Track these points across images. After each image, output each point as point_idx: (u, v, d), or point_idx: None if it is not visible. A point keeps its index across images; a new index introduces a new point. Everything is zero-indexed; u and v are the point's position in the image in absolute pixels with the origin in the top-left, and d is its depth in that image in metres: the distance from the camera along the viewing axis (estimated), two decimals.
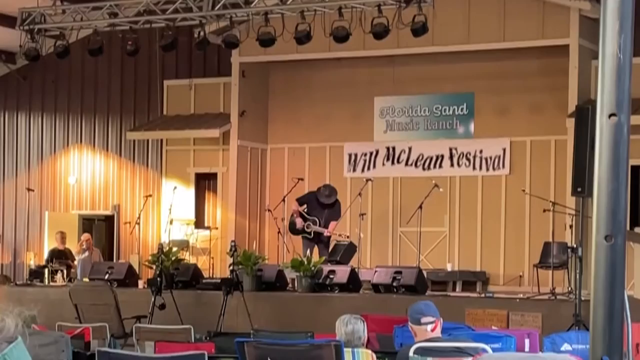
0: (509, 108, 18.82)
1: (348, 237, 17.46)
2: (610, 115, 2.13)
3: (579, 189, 15.35)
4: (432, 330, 7.52)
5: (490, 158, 18.91)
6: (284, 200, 17.94)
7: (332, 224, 17.02)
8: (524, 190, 17.87)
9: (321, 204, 17.10)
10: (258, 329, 10.31)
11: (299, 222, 16.98)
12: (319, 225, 17.05)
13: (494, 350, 7.51)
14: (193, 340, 10.17)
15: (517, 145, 18.73)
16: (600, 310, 2.17)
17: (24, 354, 2.17)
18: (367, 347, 7.83)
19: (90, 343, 10.37)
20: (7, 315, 2.01)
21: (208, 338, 10.84)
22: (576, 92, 17.27)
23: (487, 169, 18.95)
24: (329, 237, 17.25)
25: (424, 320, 7.57)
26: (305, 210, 17.17)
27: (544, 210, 16.60)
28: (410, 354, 7.30)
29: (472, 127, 19.19)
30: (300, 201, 17.27)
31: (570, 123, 16.72)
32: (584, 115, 15.50)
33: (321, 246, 17.19)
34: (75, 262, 19.53)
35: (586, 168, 15.30)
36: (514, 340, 9.02)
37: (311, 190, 17.80)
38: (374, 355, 7.60)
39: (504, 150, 18.82)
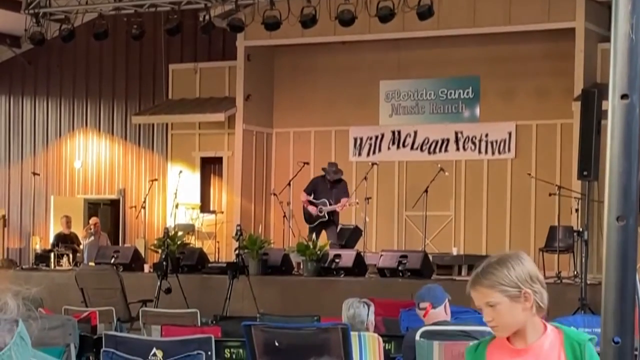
0: (515, 92, 18.77)
1: (357, 203, 17.41)
2: (622, 96, 2.12)
3: (585, 173, 15.32)
4: (424, 316, 7.55)
5: (496, 142, 18.88)
6: (289, 184, 17.91)
7: (344, 200, 16.85)
8: (529, 174, 17.85)
9: (329, 184, 16.94)
10: (264, 313, 10.32)
11: (312, 209, 16.83)
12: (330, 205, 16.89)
13: None
14: (199, 324, 10.18)
15: (523, 129, 18.69)
16: (612, 291, 2.17)
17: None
18: (374, 331, 7.83)
19: (97, 327, 10.38)
20: (9, 296, 2.00)
21: (214, 322, 10.84)
22: (582, 75, 17.22)
23: (493, 153, 18.91)
24: (338, 221, 17.12)
25: (422, 305, 7.61)
26: (314, 197, 17.03)
27: (550, 194, 16.58)
28: (417, 337, 7.30)
29: (477, 110, 19.15)
30: (307, 190, 17.09)
31: (576, 107, 16.68)
32: (590, 99, 15.45)
33: (332, 228, 16.99)
34: (82, 246, 19.55)
35: (592, 152, 15.27)
36: None
37: (314, 176, 17.67)
38: (380, 339, 7.60)
39: (510, 134, 18.78)
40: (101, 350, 6.60)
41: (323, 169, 17.33)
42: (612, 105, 2.15)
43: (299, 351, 6.27)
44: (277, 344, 6.75)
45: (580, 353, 3.46)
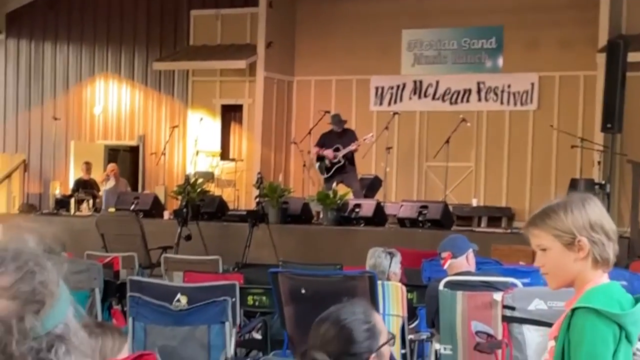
0: (538, 42, 18.57)
1: (372, 135, 17.36)
2: None
3: (609, 125, 15.24)
4: (443, 265, 7.59)
5: (519, 93, 18.73)
6: (310, 133, 17.84)
7: (354, 142, 16.77)
8: (552, 126, 17.73)
9: (336, 135, 16.89)
10: (286, 261, 10.30)
11: (328, 152, 16.75)
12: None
13: (523, 285, 7.48)
14: (221, 271, 10.17)
15: (546, 80, 18.53)
16: None
17: None
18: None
19: (120, 272, 10.39)
20: (29, 238, 1.96)
21: (236, 269, 10.86)
22: (607, 26, 17.03)
23: (515, 104, 18.77)
24: (355, 168, 17.03)
25: (442, 254, 7.63)
26: (325, 149, 16.93)
27: (572, 147, 16.49)
28: (441, 287, 7.29)
29: (500, 61, 18.99)
30: (318, 144, 17.06)
31: (600, 58, 16.54)
32: (616, 51, 15.33)
33: (351, 175, 16.89)
34: (101, 193, 19.55)
35: (616, 104, 15.17)
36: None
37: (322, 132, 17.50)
38: (404, 288, 7.59)
39: (533, 85, 18.63)
40: (127, 295, 6.60)
41: (329, 123, 17.26)
42: None
43: (324, 298, 6.23)
44: (303, 291, 6.73)
45: (568, 320, 3.15)
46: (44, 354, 1.78)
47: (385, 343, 3.39)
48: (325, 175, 16.82)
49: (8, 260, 1.84)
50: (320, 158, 16.92)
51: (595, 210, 3.22)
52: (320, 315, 3.42)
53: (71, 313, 1.89)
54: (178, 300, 6.53)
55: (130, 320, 6.50)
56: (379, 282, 7.37)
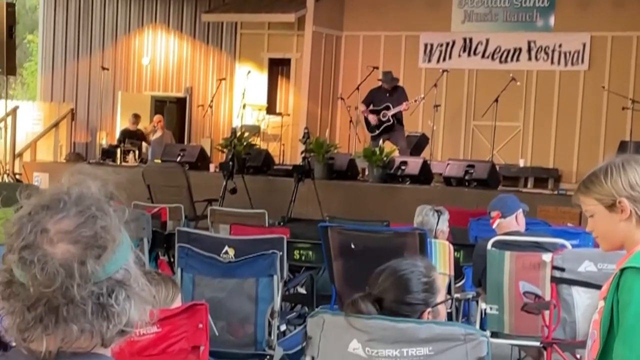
0: (591, 2, 18.29)
1: (423, 97, 17.25)
2: None
3: None
4: (491, 225, 7.55)
5: (570, 53, 18.50)
6: (357, 89, 17.74)
7: (405, 102, 16.60)
8: (603, 87, 17.50)
9: (386, 92, 16.72)
10: (333, 216, 10.27)
11: (372, 117, 16.63)
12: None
13: (572, 246, 7.41)
14: (267, 225, 10.16)
15: (598, 41, 18.27)
16: None
17: None
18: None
19: (167, 223, 10.41)
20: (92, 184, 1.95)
21: (282, 223, 10.84)
22: None
23: (566, 64, 18.54)
24: (403, 126, 16.91)
25: (492, 214, 7.57)
26: (373, 106, 16.78)
27: (623, 108, 16.28)
28: (489, 247, 7.25)
29: (552, 20, 18.74)
30: (366, 102, 16.90)
31: None
32: None
33: (398, 134, 16.78)
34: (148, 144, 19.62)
35: None
36: (591, 237, 8.90)
37: (371, 88, 17.33)
38: (451, 247, 7.54)
39: (584, 45, 18.38)
40: (176, 246, 6.60)
41: (379, 80, 17.11)
42: None
43: (374, 254, 6.23)
44: (353, 246, 6.71)
45: (617, 280, 3.11)
46: (104, 299, 1.78)
47: (442, 302, 3.37)
48: (373, 134, 16.71)
49: (70, 205, 1.84)
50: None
51: (637, 169, 3.21)
52: (382, 266, 3.47)
53: (132, 259, 1.89)
54: (226, 253, 6.53)
55: (178, 271, 6.50)
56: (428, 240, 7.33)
